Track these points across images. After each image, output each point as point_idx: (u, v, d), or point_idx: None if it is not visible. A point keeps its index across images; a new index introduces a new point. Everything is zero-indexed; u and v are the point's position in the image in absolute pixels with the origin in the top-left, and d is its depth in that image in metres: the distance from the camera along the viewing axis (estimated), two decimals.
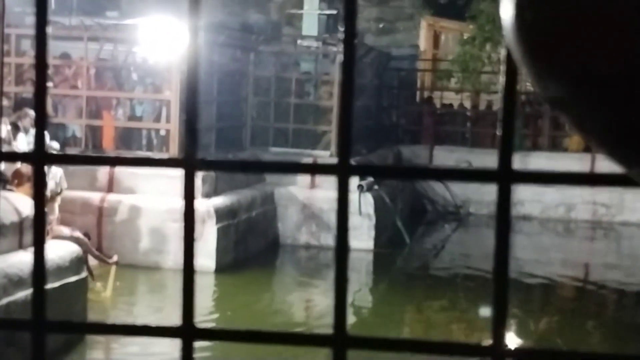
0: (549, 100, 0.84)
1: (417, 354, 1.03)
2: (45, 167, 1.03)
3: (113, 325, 1.04)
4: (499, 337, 0.98)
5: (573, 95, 0.81)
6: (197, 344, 1.02)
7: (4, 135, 13.74)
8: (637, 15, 0.76)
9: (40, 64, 0.91)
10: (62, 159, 1.09)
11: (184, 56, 1.06)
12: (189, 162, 0.98)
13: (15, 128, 14.80)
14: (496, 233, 0.98)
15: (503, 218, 0.97)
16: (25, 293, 10.73)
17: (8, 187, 13.15)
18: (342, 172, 0.95)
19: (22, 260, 10.90)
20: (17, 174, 13.46)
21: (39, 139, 0.97)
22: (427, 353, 1.01)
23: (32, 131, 12.91)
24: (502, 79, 0.98)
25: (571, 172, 0.99)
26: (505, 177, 0.97)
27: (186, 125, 1.01)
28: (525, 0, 0.82)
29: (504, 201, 0.97)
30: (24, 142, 14.64)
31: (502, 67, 0.98)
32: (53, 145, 14.97)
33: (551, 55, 0.81)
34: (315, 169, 0.99)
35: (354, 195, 18.83)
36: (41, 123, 0.96)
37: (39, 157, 0.96)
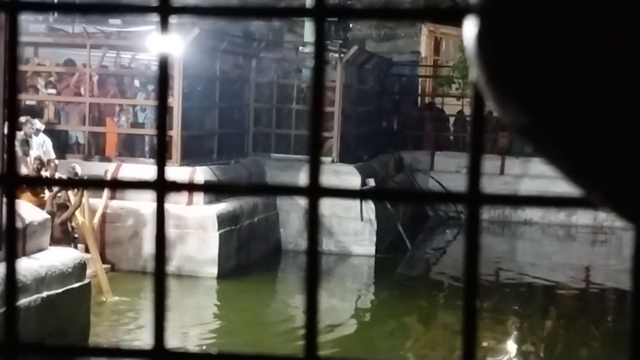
0: (512, 127, 0.85)
1: None
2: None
3: (85, 347, 1.05)
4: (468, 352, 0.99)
5: (533, 123, 0.82)
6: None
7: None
8: (598, 45, 0.77)
9: (12, 98, 0.92)
10: (36, 182, 1.09)
11: (158, 68, 1.08)
12: (159, 184, 0.99)
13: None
14: (465, 251, 0.99)
15: (472, 240, 0.98)
16: (28, 299, 10.76)
17: None
18: (312, 193, 0.96)
19: (24, 267, 10.91)
20: None
21: (10, 161, 0.98)
22: None
23: (34, 138, 12.98)
24: (471, 106, 0.99)
25: (534, 195, 1.00)
26: (475, 199, 0.98)
27: (157, 147, 1.02)
28: (485, 27, 0.83)
29: (473, 222, 0.98)
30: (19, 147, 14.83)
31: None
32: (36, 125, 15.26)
33: (511, 83, 0.82)
34: (286, 191, 1.00)
35: (355, 201, 18.83)
36: (11, 146, 0.97)
37: (10, 180, 0.97)
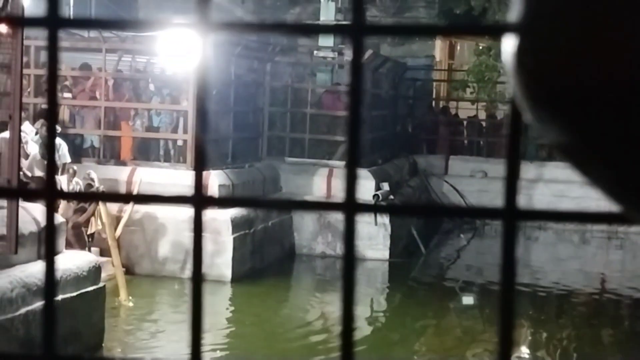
0: (552, 145, 0.85)
1: None
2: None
3: (123, 358, 1.05)
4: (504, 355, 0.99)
5: (574, 141, 0.82)
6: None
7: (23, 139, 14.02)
8: (636, 63, 0.77)
9: (52, 103, 0.94)
10: (71, 196, 1.11)
11: (194, 76, 1.08)
12: (198, 199, 1.00)
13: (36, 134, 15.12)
14: (502, 267, 0.99)
15: (509, 256, 0.98)
16: (43, 303, 10.78)
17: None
18: (349, 209, 0.96)
19: (40, 270, 10.95)
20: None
21: (50, 176, 0.99)
22: None
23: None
24: (508, 121, 0.99)
25: (572, 211, 1.00)
26: (512, 215, 0.98)
27: (196, 162, 1.03)
28: (525, 44, 0.83)
29: (510, 238, 0.98)
30: (36, 147, 14.92)
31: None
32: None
33: (552, 101, 0.82)
34: (321, 207, 1.00)
35: None
36: (51, 160, 0.98)
37: (50, 194, 0.98)
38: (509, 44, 0.83)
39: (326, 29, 1.07)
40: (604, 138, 0.79)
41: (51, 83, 1.06)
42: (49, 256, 0.91)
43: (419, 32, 0.97)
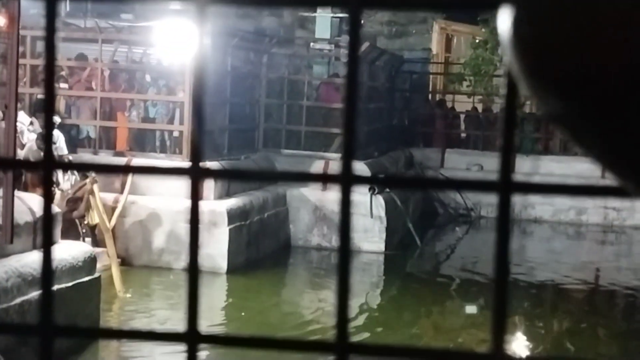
0: (548, 115, 0.86)
1: None
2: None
3: (120, 330, 1.06)
4: (498, 345, 0.99)
5: (570, 111, 0.83)
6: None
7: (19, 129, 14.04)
8: (634, 31, 0.77)
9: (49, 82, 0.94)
10: (71, 166, 1.11)
11: (192, 63, 1.08)
12: (194, 170, 1.00)
13: (30, 124, 15.12)
14: (497, 240, 1.00)
15: (503, 227, 0.99)
16: (38, 293, 10.77)
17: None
18: (345, 181, 0.97)
19: (36, 260, 10.95)
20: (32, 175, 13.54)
21: (48, 147, 0.99)
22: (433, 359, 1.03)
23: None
24: (503, 92, 1.00)
25: (566, 184, 1.00)
26: (506, 188, 0.99)
27: (192, 134, 1.03)
28: (522, 15, 0.83)
29: (504, 210, 0.99)
30: (32, 137, 14.94)
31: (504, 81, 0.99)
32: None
33: (547, 70, 0.82)
34: (316, 178, 1.01)
35: (365, 198, 18.84)
36: (49, 131, 0.99)
37: (48, 164, 0.98)
38: (505, 15, 0.83)
39: (324, 2, 1.07)
40: (599, 108, 0.79)
41: (49, 64, 1.07)
42: (46, 234, 0.91)
43: (416, 6, 0.98)
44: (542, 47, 0.81)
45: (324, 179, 1.03)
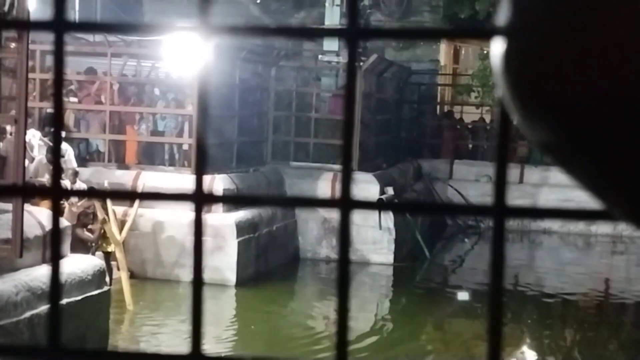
0: (538, 144, 0.88)
1: None
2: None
3: (126, 353, 1.08)
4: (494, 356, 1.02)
5: (559, 142, 0.85)
6: None
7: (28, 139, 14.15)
8: (625, 64, 0.79)
9: (58, 106, 0.97)
10: (77, 194, 1.14)
11: (197, 82, 1.11)
12: (198, 196, 1.03)
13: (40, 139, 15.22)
14: (491, 262, 1.03)
15: (498, 251, 1.02)
16: (48, 307, 10.81)
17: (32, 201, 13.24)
18: (344, 206, 1.00)
19: (45, 274, 10.99)
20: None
21: (56, 176, 1.02)
22: None
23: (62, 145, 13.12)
24: (496, 120, 1.02)
25: (557, 208, 1.03)
26: (501, 212, 1.01)
27: (197, 160, 1.06)
28: (512, 47, 0.85)
29: (499, 234, 1.01)
30: (42, 151, 15.03)
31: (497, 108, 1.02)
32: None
33: (537, 102, 0.85)
34: (318, 204, 1.03)
35: (374, 210, 18.84)
36: (57, 161, 1.02)
37: (56, 192, 1.02)
38: (497, 46, 0.86)
39: (322, 32, 1.11)
40: (588, 138, 0.82)
41: (57, 87, 1.10)
42: (55, 249, 0.94)
43: (411, 36, 1.01)
44: (530, 79, 0.84)
45: (326, 204, 1.06)
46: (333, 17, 22.85)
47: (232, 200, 1.05)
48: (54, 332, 1.05)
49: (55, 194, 1.03)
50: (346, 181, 1.01)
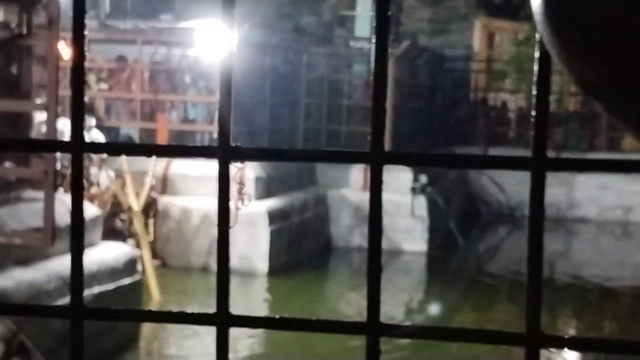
0: (581, 84, 0.85)
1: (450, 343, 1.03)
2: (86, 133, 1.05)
3: (149, 311, 1.05)
4: (533, 325, 0.97)
5: (602, 79, 0.82)
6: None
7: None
8: None
9: (79, 60, 0.93)
10: (98, 148, 1.11)
11: (221, 56, 1.08)
12: (223, 151, 0.99)
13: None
14: (530, 219, 0.98)
15: (538, 205, 0.97)
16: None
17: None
18: (376, 160, 0.95)
19: None
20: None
21: (77, 129, 0.98)
22: (458, 341, 1.01)
23: (87, 135, 13.22)
24: (536, 67, 0.98)
25: (599, 159, 0.98)
26: (539, 165, 0.96)
27: (219, 118, 1.02)
28: None
29: (538, 188, 0.96)
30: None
31: (537, 56, 0.97)
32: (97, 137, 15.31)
33: (579, 38, 0.82)
34: (348, 158, 1.01)
35: (406, 198, 18.79)
36: (79, 112, 0.98)
37: (78, 147, 0.98)
38: None
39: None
40: (626, 75, 0.79)
41: (79, 56, 1.06)
42: (76, 200, 0.90)
43: None
44: (571, 17, 0.81)
45: (356, 159, 1.02)
46: (365, 2, 22.78)
47: (256, 156, 1.01)
48: (76, 293, 1.01)
49: (76, 149, 0.99)
50: (378, 131, 0.97)
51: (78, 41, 1.06)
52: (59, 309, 0.95)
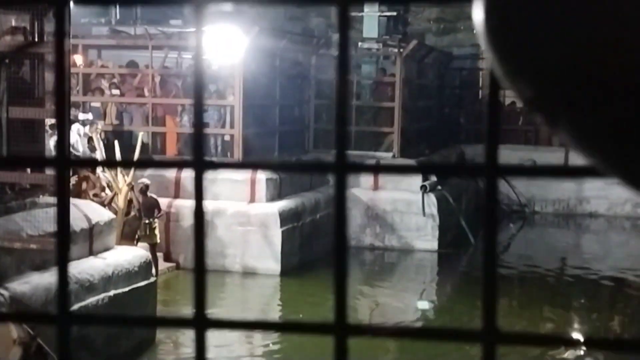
0: (522, 100, 0.89)
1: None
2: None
3: (131, 317, 1.11)
4: (489, 322, 1.04)
5: (538, 95, 0.86)
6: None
7: (72, 141, 14.28)
8: (605, 16, 0.80)
9: (60, 68, 1.00)
10: (83, 164, 1.17)
11: (194, 62, 1.14)
12: (199, 163, 1.06)
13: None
14: (485, 223, 1.04)
15: (491, 209, 1.03)
16: (96, 298, 10.97)
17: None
18: (340, 170, 1.02)
19: (92, 266, 11.13)
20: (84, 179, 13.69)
21: (61, 145, 1.05)
22: (427, 339, 1.07)
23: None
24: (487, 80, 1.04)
25: (550, 165, 1.04)
26: (492, 172, 1.03)
27: (194, 129, 1.09)
28: (491, 4, 0.87)
29: (492, 192, 1.03)
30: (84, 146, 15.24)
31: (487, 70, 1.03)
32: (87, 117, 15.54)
33: (518, 56, 0.86)
34: (313, 168, 1.06)
35: (417, 196, 18.82)
36: (62, 129, 1.05)
37: (62, 162, 1.04)
38: (478, 7, 0.88)
39: (311, 0, 1.12)
40: (566, 91, 0.83)
41: (60, 60, 1.13)
42: (62, 221, 0.97)
43: (396, 0, 1.03)
44: (508, 36, 0.86)
45: (320, 169, 1.08)
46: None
47: (231, 167, 1.08)
48: (63, 298, 1.08)
49: (60, 165, 1.06)
50: (341, 144, 1.03)
51: (61, 63, 1.13)
52: (46, 315, 1.01)
